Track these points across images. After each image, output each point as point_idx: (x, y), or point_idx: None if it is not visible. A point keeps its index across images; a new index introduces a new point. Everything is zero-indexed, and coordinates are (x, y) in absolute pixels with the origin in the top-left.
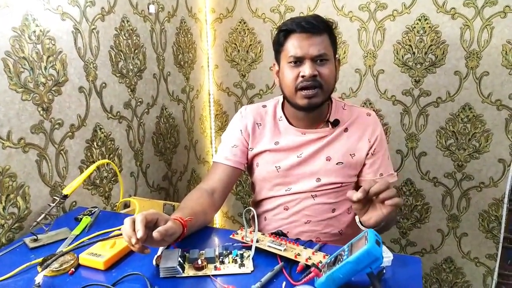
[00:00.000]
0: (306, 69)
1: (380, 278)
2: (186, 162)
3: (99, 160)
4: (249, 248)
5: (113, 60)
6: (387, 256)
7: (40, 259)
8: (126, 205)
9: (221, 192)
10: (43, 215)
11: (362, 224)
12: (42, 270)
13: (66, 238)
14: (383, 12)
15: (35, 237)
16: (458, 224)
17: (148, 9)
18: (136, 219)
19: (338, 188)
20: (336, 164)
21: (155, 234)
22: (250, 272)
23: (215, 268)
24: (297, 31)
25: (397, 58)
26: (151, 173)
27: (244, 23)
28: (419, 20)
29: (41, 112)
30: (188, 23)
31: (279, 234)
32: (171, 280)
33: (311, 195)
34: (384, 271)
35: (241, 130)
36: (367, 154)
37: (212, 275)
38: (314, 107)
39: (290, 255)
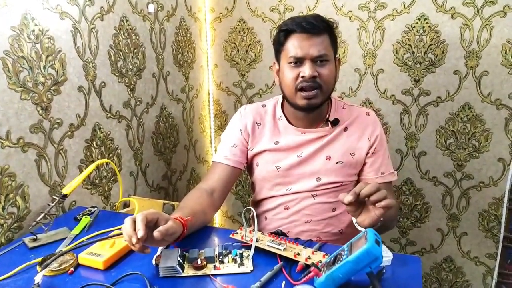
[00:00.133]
0: (306, 70)
1: (380, 278)
2: (186, 161)
3: (98, 159)
4: (248, 247)
5: (113, 60)
6: (387, 256)
7: (39, 259)
8: (126, 205)
9: (221, 191)
10: (42, 215)
11: (359, 225)
12: (41, 270)
13: (65, 238)
14: (382, 12)
15: (34, 236)
16: (458, 223)
17: (148, 8)
18: (137, 218)
19: (338, 187)
20: (336, 163)
21: (155, 233)
22: (249, 271)
23: (215, 267)
24: (297, 31)
25: (396, 57)
26: (151, 172)
27: (244, 22)
28: (419, 19)
29: (40, 111)
30: (187, 23)
31: (279, 234)
32: (171, 279)
33: (311, 194)
34: (384, 271)
35: (240, 130)
36: (367, 153)
37: (212, 275)
38: (313, 107)
39: (289, 254)
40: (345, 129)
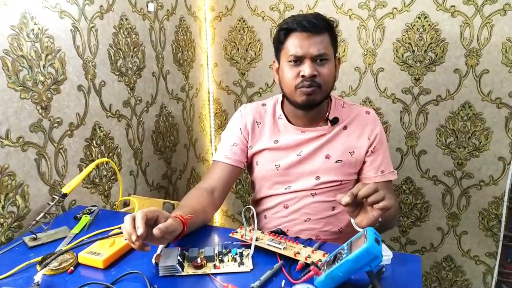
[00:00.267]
0: (306, 69)
1: (380, 277)
2: (186, 160)
3: (98, 158)
4: (248, 246)
5: (112, 59)
6: (387, 255)
7: (39, 258)
8: (126, 204)
9: (221, 190)
10: (42, 214)
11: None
12: (41, 269)
13: (65, 237)
14: (382, 10)
15: (34, 236)
16: (458, 222)
17: (147, 7)
18: (137, 216)
19: (338, 186)
20: (336, 162)
21: (155, 231)
22: (249, 270)
23: (215, 266)
24: (297, 30)
25: (396, 56)
26: (151, 171)
27: (244, 21)
28: (419, 18)
29: (40, 110)
30: (187, 21)
31: (279, 233)
32: (171, 278)
33: (311, 193)
34: (384, 270)
35: (240, 129)
36: (367, 152)
37: (212, 274)
38: (312, 104)
39: (289, 253)
40: (345, 127)
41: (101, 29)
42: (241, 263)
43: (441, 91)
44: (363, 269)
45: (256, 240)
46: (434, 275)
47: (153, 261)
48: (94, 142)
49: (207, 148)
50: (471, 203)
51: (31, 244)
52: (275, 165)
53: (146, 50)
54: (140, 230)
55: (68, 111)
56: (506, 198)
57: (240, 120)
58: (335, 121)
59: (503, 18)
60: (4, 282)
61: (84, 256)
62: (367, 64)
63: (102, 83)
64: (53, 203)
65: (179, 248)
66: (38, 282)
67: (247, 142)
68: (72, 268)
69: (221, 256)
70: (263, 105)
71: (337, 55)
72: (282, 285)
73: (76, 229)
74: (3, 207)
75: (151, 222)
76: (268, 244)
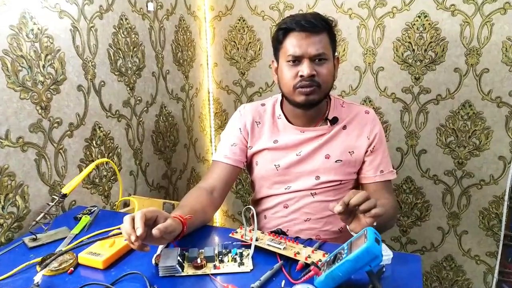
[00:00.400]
0: (305, 69)
1: (380, 276)
2: (186, 160)
3: (98, 159)
4: (248, 246)
5: (112, 59)
6: (387, 255)
7: (39, 259)
8: (126, 204)
9: (221, 190)
10: (42, 214)
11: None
12: (41, 270)
13: (65, 238)
14: (382, 9)
15: (34, 236)
16: (458, 222)
17: (147, 6)
18: (136, 216)
19: (338, 185)
20: (335, 162)
21: (154, 231)
22: (249, 270)
23: (215, 267)
24: (296, 29)
25: (396, 55)
26: (151, 172)
27: (243, 20)
28: (419, 17)
29: (40, 111)
30: (187, 21)
31: (279, 233)
32: (170, 279)
33: (311, 193)
34: (384, 269)
35: (240, 129)
36: (366, 151)
37: (212, 274)
38: (311, 104)
39: (289, 253)
40: (344, 127)
41: (100, 29)
42: (241, 263)
43: (441, 90)
44: (363, 269)
45: (256, 240)
46: (434, 274)
47: (153, 261)
48: (94, 142)
49: (207, 148)
50: (472, 203)
51: (31, 244)
52: (275, 165)
53: (146, 50)
54: (140, 230)
55: (68, 111)
56: (506, 198)
57: (240, 120)
58: (334, 121)
59: (503, 17)
60: (4, 283)
61: (84, 257)
62: (367, 63)
63: (102, 83)
64: (53, 204)
65: (179, 249)
66: (38, 282)
67: (247, 142)
68: (72, 268)
69: (221, 256)
70: (263, 105)
71: (336, 54)
72: (282, 285)
73: (76, 230)
74: (3, 208)
75: (150, 223)
76: (268, 244)
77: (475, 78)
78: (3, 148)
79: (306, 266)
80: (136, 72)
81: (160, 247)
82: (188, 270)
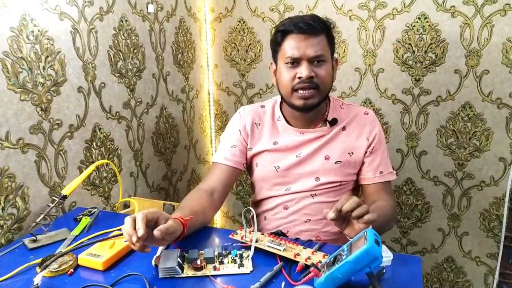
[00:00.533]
0: (303, 71)
1: (380, 278)
2: (186, 162)
3: (98, 160)
4: (248, 248)
5: (112, 60)
6: (387, 256)
7: (39, 260)
8: (126, 205)
9: (221, 192)
10: (42, 216)
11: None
12: (41, 271)
13: (65, 239)
14: (382, 11)
15: (34, 237)
16: (459, 223)
17: (147, 8)
18: (137, 217)
19: (337, 186)
20: (335, 163)
21: (155, 232)
22: (249, 272)
23: (214, 268)
24: (294, 31)
25: (397, 57)
26: (151, 173)
27: (244, 22)
28: (419, 18)
29: (40, 112)
30: (187, 23)
31: (279, 234)
32: (170, 280)
33: (310, 194)
34: (384, 271)
35: (239, 131)
36: (365, 152)
37: (211, 275)
38: (310, 107)
39: (289, 255)
40: (344, 128)
41: (101, 31)
42: (241, 265)
43: (441, 91)
44: (363, 270)
45: (256, 241)
46: (435, 276)
47: (153, 262)
48: (94, 143)
49: (208, 149)
50: (472, 204)
51: (31, 246)
52: (275, 166)
53: (146, 52)
54: (141, 231)
55: (68, 112)
56: (507, 199)
57: (239, 122)
58: (333, 122)
59: (503, 18)
60: (3, 284)
61: (84, 258)
62: (367, 64)
63: (102, 84)
64: (53, 205)
65: (179, 250)
66: (37, 284)
67: (247, 144)
68: (72, 270)
69: (221, 257)
70: (262, 106)
71: (334, 56)
72: (282, 286)
73: (76, 231)
74: (3, 209)
75: (151, 224)
76: (268, 246)
77: (475, 80)
78: (3, 150)
79: (306, 267)
80: (137, 74)
81: (160, 248)
82: (188, 272)
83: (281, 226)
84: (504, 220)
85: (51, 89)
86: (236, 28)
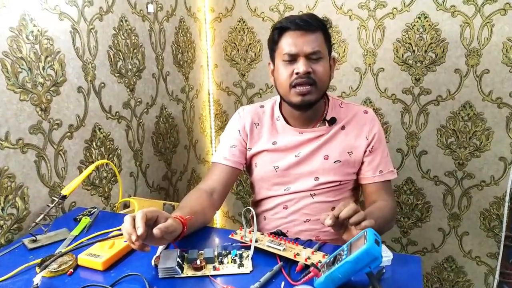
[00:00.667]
0: (300, 66)
1: (380, 278)
2: (186, 162)
3: (98, 160)
4: (248, 248)
5: (112, 60)
6: (387, 256)
7: (38, 260)
8: (126, 205)
9: (220, 192)
10: (42, 216)
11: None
12: (40, 271)
13: (65, 239)
14: (382, 10)
15: (34, 238)
16: (459, 223)
17: (147, 8)
18: (136, 216)
19: (337, 186)
20: (334, 162)
21: (155, 231)
22: (249, 272)
23: (214, 268)
24: (291, 28)
25: (397, 56)
26: (151, 173)
27: (244, 22)
28: (419, 18)
29: (40, 112)
30: (187, 23)
31: (278, 234)
32: (170, 280)
33: (310, 194)
34: (384, 271)
35: (239, 131)
36: (365, 151)
37: (211, 275)
38: (308, 104)
39: (289, 254)
40: (343, 127)
41: (100, 31)
42: (241, 265)
43: (441, 91)
44: (363, 270)
45: (256, 241)
46: (435, 276)
47: (153, 262)
48: (94, 143)
49: (208, 149)
50: (472, 204)
51: (30, 246)
52: (274, 166)
53: (146, 52)
54: (140, 230)
55: (68, 112)
56: (507, 199)
57: (239, 122)
58: (332, 121)
59: (503, 17)
60: (3, 284)
61: (83, 258)
62: (367, 64)
63: (102, 84)
64: (53, 205)
65: (179, 250)
66: (37, 284)
67: (246, 144)
68: (71, 270)
69: (220, 257)
70: (261, 106)
71: (332, 55)
72: (282, 286)
73: (75, 231)
74: (2, 209)
75: (151, 222)
76: (268, 246)
77: (476, 79)
78: (3, 150)
79: (306, 267)
80: (136, 74)
81: (160, 248)
82: (188, 272)
83: (280, 226)
84: (505, 219)
85: (50, 89)
86: (236, 28)
